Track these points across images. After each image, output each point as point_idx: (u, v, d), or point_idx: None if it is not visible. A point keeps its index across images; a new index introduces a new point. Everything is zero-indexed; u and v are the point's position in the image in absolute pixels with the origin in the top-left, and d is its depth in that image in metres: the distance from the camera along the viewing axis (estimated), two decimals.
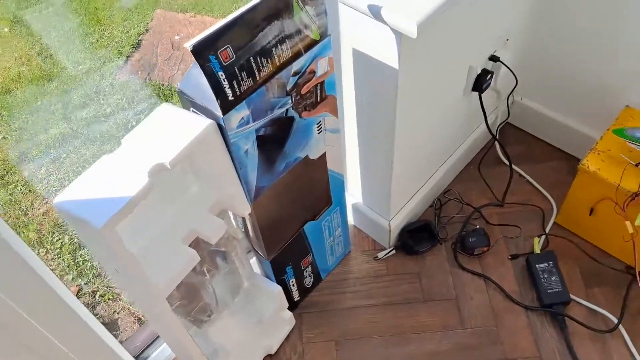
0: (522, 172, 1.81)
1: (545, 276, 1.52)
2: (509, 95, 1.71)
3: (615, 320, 1.44)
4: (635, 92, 1.55)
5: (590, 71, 1.61)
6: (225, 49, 0.90)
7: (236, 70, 0.93)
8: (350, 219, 1.74)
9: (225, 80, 0.92)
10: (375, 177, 1.51)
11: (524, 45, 1.69)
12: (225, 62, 0.90)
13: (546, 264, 1.54)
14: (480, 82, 1.49)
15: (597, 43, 1.54)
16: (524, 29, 1.64)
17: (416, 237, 1.66)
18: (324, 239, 1.49)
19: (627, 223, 1.42)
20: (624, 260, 1.56)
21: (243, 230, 1.28)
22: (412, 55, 1.14)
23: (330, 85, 1.15)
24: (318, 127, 1.19)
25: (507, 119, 1.85)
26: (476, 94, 1.52)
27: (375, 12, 1.06)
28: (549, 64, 1.70)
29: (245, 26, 0.93)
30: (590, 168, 1.45)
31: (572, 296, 1.50)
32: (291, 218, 1.32)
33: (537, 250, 1.59)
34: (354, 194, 1.66)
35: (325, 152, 1.27)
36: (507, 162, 1.79)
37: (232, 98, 0.94)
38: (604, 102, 1.64)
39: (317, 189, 1.35)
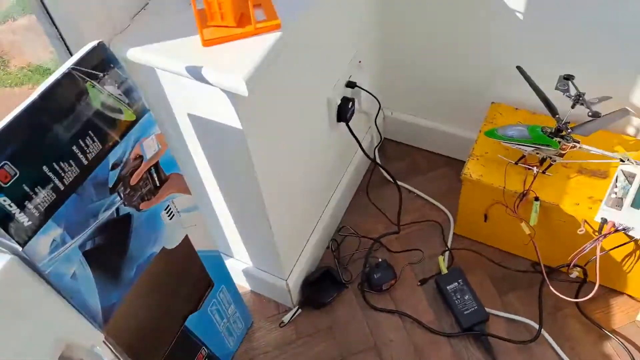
0: (411, 188, 1.73)
1: (458, 297, 1.43)
2: (376, 116, 1.63)
3: (537, 326, 1.38)
4: (497, 88, 1.52)
5: (448, 74, 1.57)
6: (2, 166, 0.70)
7: (25, 187, 0.73)
8: (246, 285, 1.56)
9: (13, 204, 0.71)
10: (257, 238, 1.35)
11: (379, 61, 1.62)
12: (5, 183, 0.70)
13: (456, 283, 1.45)
14: (344, 112, 1.38)
15: (448, 44, 1.49)
16: (374, 46, 1.57)
17: (320, 287, 1.51)
18: (216, 324, 1.30)
19: (523, 224, 1.37)
20: (529, 258, 1.51)
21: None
22: (253, 111, 1.00)
23: (169, 164, 0.97)
24: (168, 212, 1.01)
25: (381, 140, 1.77)
26: (343, 123, 1.41)
27: (195, 74, 0.90)
28: (408, 74, 1.64)
29: (26, 130, 0.73)
30: (473, 176, 1.39)
31: (489, 310, 1.42)
32: (165, 320, 1.12)
33: (444, 269, 1.51)
34: (242, 259, 1.49)
35: (186, 235, 1.09)
36: (393, 181, 1.70)
37: (30, 222, 0.74)
38: (469, 102, 1.60)
39: (189, 276, 1.16)
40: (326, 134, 1.40)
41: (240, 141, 1.01)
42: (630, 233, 1.24)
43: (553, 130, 1.29)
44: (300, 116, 1.23)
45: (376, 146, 1.75)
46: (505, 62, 1.43)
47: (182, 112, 1.05)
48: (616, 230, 1.24)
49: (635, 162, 1.27)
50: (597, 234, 1.26)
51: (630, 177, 1.29)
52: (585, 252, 1.27)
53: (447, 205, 1.67)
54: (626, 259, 1.34)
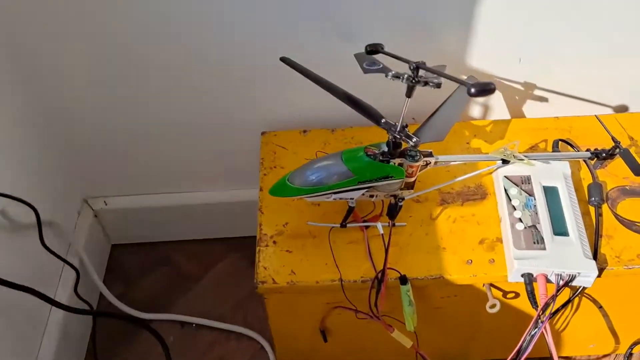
0: (183, 318, 0.98)
1: None
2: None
3: None
4: (262, 105, 0.87)
5: (173, 114, 0.87)
6: None
7: None
8: None
9: None
10: None
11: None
12: None
13: None
14: None
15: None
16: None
17: None
18: None
19: (396, 335, 0.72)
20: None
21: None
22: None
23: None
24: None
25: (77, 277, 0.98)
26: None
27: None
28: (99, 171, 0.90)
29: None
30: (276, 281, 0.70)
31: None
32: None
33: None
34: None
35: None
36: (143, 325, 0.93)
37: None
38: (224, 139, 0.92)
39: None
40: None
41: None
42: (577, 281, 0.68)
43: (386, 149, 0.68)
44: None
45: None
46: (267, 59, 0.78)
47: None
48: (559, 289, 0.67)
49: (522, 155, 0.72)
50: (534, 308, 0.66)
51: (523, 184, 0.74)
52: (526, 346, 0.67)
53: (258, 325, 0.96)
54: (571, 320, 0.79)
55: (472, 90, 0.52)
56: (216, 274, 1.05)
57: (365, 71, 0.66)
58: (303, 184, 0.68)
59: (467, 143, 0.84)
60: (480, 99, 0.88)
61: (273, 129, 0.86)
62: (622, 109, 0.90)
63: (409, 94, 0.62)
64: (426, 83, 0.60)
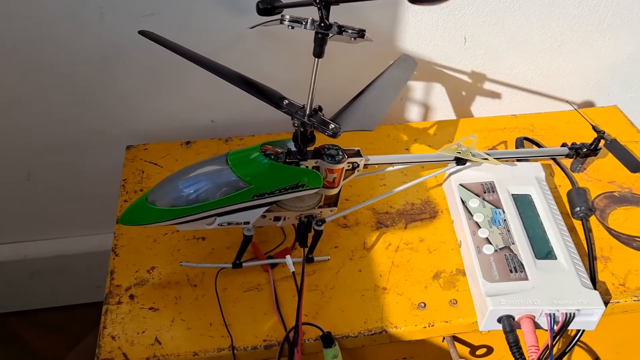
0: None
1: None
2: None
3: None
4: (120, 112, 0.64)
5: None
6: None
7: None
8: None
9: None
10: None
11: None
12: None
13: None
14: None
15: None
16: None
17: None
18: None
19: None
20: None
21: None
22: None
23: None
24: None
25: None
26: None
27: None
28: None
29: None
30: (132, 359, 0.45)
31: None
32: None
33: None
34: None
35: None
36: None
37: None
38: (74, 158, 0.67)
39: None
40: None
41: None
42: (575, 323, 0.47)
43: (294, 145, 0.46)
44: None
45: None
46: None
47: None
48: (555, 337, 0.45)
49: (483, 153, 0.52)
50: None
51: (486, 193, 0.54)
52: None
53: None
54: None
55: None
56: (83, 352, 0.76)
57: (253, 27, 0.45)
58: (170, 203, 0.44)
59: (406, 149, 0.64)
60: (419, 94, 0.69)
61: (144, 141, 0.63)
62: (587, 104, 0.74)
63: (318, 49, 0.41)
64: (342, 29, 0.40)
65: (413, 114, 0.71)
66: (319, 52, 0.41)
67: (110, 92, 0.61)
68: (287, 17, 0.41)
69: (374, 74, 0.52)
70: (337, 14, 0.58)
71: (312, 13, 0.39)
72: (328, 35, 0.40)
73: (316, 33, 0.40)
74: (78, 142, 0.64)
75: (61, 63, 0.58)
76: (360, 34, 0.40)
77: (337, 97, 0.49)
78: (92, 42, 0.57)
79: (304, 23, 0.40)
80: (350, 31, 0.40)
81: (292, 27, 0.41)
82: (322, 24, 0.39)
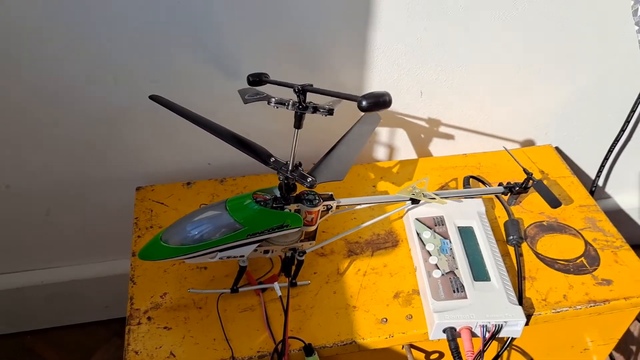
0: None
1: None
2: None
3: None
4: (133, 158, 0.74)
5: None
6: None
7: None
8: None
9: None
10: None
11: None
12: None
13: None
14: None
15: None
16: None
17: None
18: None
19: None
20: None
21: None
22: None
23: None
24: None
25: None
26: None
27: None
28: None
29: None
30: None
31: None
32: None
33: None
34: None
35: None
36: None
37: None
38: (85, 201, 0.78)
39: None
40: None
41: None
42: (505, 332, 0.59)
43: (279, 193, 0.58)
44: None
45: None
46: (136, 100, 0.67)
47: None
48: (486, 344, 0.57)
49: (432, 194, 0.65)
50: None
51: (437, 226, 0.66)
52: None
53: None
54: None
55: (364, 102, 0.44)
56: None
57: (246, 101, 0.56)
58: (180, 242, 0.55)
59: (373, 186, 0.76)
60: (384, 138, 0.81)
61: (151, 182, 0.74)
62: (528, 142, 0.86)
63: (297, 123, 0.52)
64: (316, 109, 0.51)
65: (380, 154, 0.83)
66: (298, 125, 0.53)
67: (121, 142, 0.72)
68: (273, 99, 0.53)
69: (345, 123, 0.64)
70: (314, 75, 0.70)
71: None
72: (305, 113, 0.52)
73: (295, 112, 0.52)
74: (93, 184, 0.75)
75: (79, 119, 0.69)
76: (330, 111, 0.52)
77: (313, 142, 0.62)
78: (107, 102, 0.68)
79: (286, 104, 0.52)
80: (321, 110, 0.52)
81: (277, 107, 0.53)
82: (300, 106, 0.51)
